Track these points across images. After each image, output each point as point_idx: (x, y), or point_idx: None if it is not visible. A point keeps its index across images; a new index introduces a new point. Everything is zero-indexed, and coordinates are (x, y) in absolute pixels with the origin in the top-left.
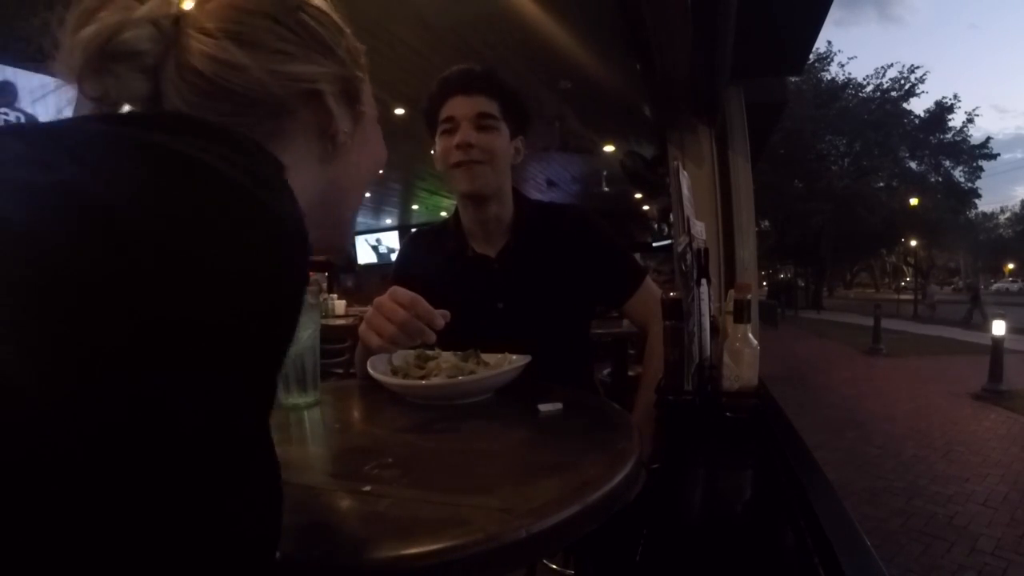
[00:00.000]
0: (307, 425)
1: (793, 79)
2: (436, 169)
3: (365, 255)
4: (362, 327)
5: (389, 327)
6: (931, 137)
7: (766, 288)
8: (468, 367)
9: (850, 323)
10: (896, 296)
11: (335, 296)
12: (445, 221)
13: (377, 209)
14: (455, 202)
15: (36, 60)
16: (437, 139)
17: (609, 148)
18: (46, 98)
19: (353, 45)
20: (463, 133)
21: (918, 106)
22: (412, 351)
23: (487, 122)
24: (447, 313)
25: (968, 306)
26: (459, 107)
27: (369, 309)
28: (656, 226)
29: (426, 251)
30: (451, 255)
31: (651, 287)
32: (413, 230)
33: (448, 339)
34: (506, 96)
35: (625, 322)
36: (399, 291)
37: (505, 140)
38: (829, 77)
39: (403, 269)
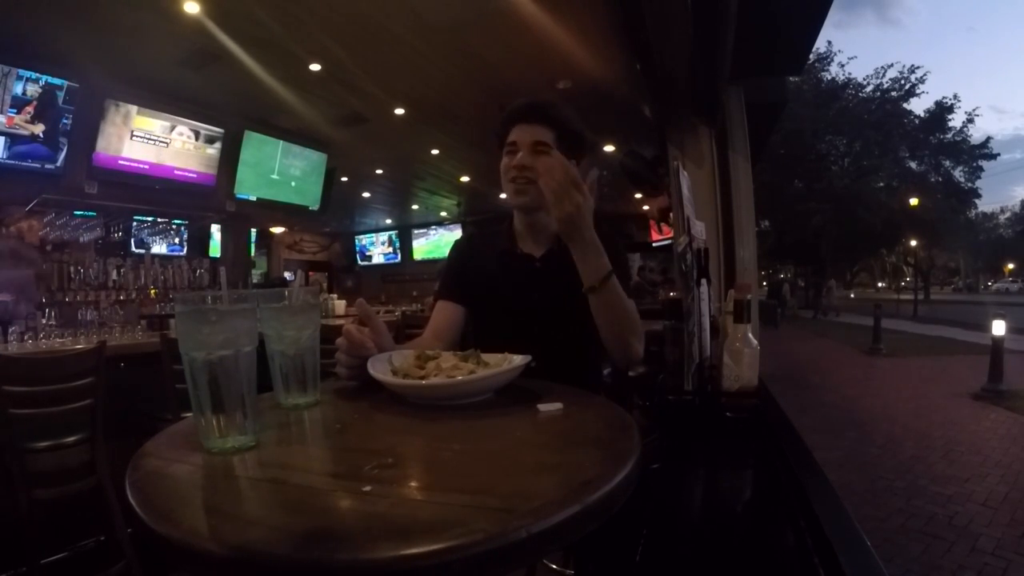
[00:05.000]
0: (307, 425)
1: (793, 79)
2: (440, 169)
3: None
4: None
5: (342, 360)
6: (931, 137)
7: (766, 288)
8: (468, 367)
9: (850, 323)
10: (896, 296)
11: (335, 296)
12: (500, 224)
13: (377, 209)
14: (455, 203)
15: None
16: (503, 157)
17: (609, 148)
18: None
19: None
20: (522, 157)
21: (918, 106)
22: (412, 351)
23: (541, 148)
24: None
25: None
26: (521, 134)
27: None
28: (657, 226)
29: (480, 248)
30: (502, 251)
31: None
32: (468, 231)
33: (491, 322)
34: (562, 127)
35: None
36: (344, 330)
37: None
38: (829, 77)
39: (457, 263)
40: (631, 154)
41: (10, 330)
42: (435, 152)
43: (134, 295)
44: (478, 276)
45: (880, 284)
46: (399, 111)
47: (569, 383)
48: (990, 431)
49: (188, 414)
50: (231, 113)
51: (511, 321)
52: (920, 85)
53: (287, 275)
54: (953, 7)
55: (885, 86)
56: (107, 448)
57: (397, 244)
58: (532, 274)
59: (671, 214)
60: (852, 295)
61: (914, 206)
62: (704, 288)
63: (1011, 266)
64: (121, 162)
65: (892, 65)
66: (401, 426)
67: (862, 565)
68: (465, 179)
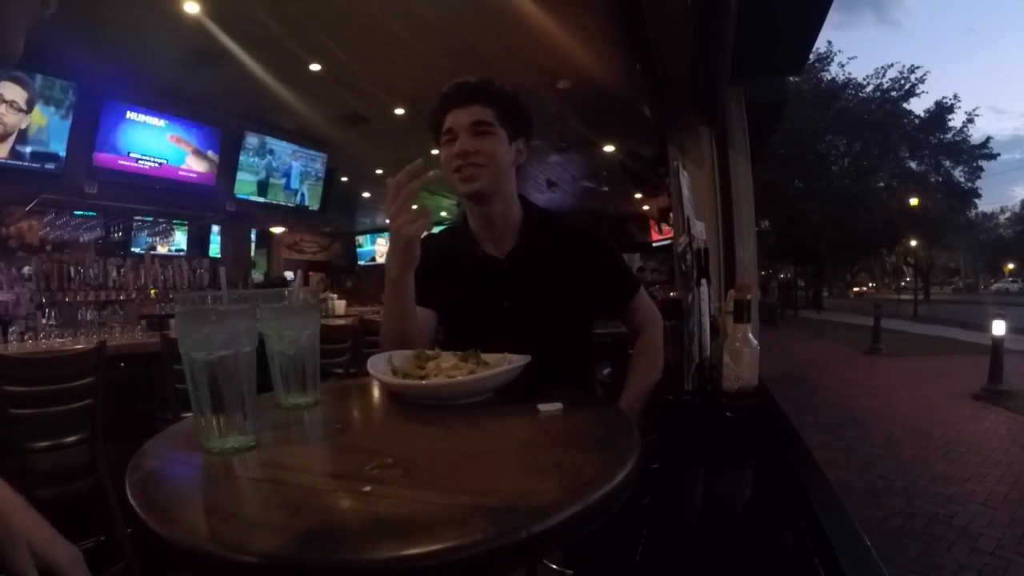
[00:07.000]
0: (307, 425)
1: (793, 79)
2: (440, 171)
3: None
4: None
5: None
6: (931, 137)
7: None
8: (468, 367)
9: (850, 323)
10: (896, 296)
11: (335, 296)
12: (455, 224)
13: (377, 209)
14: (455, 203)
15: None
16: (441, 149)
17: (609, 148)
18: None
19: None
20: (461, 142)
21: (918, 106)
22: (412, 351)
23: (483, 128)
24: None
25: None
26: (456, 118)
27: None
28: (657, 226)
29: (438, 251)
30: (462, 255)
31: (645, 296)
32: (425, 233)
33: (457, 336)
34: (501, 102)
35: None
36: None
37: (503, 143)
38: (829, 77)
39: (420, 269)
40: (631, 154)
41: (10, 330)
42: (435, 152)
43: (134, 295)
44: (444, 284)
45: (876, 283)
46: (399, 111)
47: (561, 383)
48: (990, 431)
49: (188, 414)
50: (231, 113)
51: (486, 327)
52: (920, 85)
53: (287, 275)
54: (953, 9)
55: (885, 86)
56: (107, 448)
57: None
58: (500, 277)
59: (671, 214)
60: (851, 294)
61: (914, 206)
62: (704, 288)
63: (1011, 266)
64: (121, 162)
65: (892, 65)
66: (401, 426)
67: (862, 565)
68: None
